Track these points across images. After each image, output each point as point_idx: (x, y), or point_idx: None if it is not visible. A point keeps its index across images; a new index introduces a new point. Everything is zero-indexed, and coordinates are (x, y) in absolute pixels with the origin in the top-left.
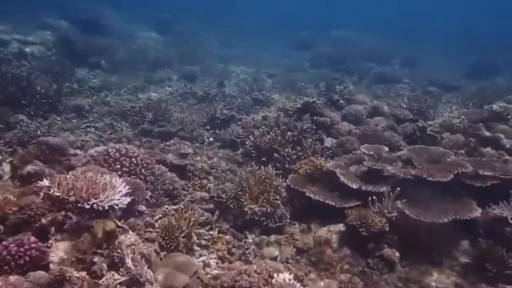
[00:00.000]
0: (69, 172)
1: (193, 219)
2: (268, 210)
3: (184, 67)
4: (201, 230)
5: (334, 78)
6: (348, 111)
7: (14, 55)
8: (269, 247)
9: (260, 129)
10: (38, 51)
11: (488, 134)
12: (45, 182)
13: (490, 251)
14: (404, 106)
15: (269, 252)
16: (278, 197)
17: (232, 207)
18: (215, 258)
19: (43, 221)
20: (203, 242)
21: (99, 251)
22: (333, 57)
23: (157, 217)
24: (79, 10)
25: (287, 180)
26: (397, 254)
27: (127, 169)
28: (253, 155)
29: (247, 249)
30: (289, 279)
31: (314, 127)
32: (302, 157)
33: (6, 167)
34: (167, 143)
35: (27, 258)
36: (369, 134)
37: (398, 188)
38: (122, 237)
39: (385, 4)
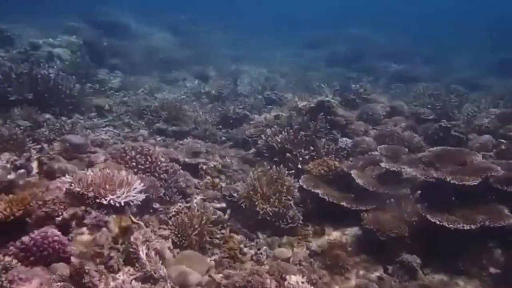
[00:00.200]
0: (89, 169)
1: (205, 217)
2: (280, 210)
3: (197, 67)
4: (213, 229)
5: (350, 77)
6: (364, 110)
7: (44, 57)
8: (281, 248)
9: (273, 129)
10: (64, 54)
11: None
12: (67, 178)
13: None
14: (426, 105)
15: (281, 253)
16: (290, 198)
17: (243, 206)
18: (227, 257)
19: (65, 215)
20: (215, 241)
21: (116, 246)
22: (347, 56)
23: (170, 215)
24: (101, 13)
25: (300, 181)
26: (418, 260)
27: (142, 167)
28: (265, 154)
29: (259, 249)
30: (302, 282)
31: (328, 127)
32: (315, 158)
33: (34, 163)
34: (181, 141)
35: (51, 250)
36: (387, 134)
37: (419, 192)
38: (137, 233)
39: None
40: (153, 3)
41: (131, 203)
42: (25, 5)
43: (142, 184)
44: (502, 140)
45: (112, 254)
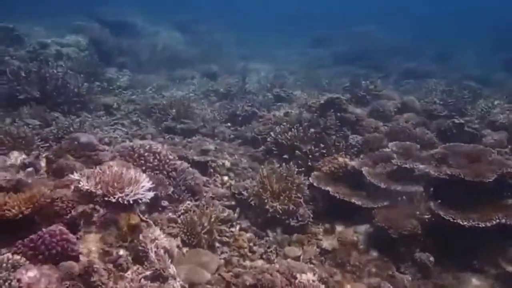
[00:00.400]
0: (97, 167)
1: (214, 215)
2: (290, 208)
3: (205, 65)
4: (223, 227)
5: (359, 74)
6: (374, 107)
7: (53, 56)
8: (292, 246)
9: (282, 126)
10: (73, 52)
11: None
12: (76, 176)
13: None
14: (438, 101)
15: (291, 251)
16: (300, 196)
17: (253, 204)
18: (236, 256)
19: (73, 213)
20: (225, 239)
21: (125, 244)
22: (355, 53)
23: (179, 213)
24: (108, 13)
25: (310, 178)
26: (432, 258)
27: (151, 165)
28: (275, 152)
29: (268, 247)
30: (313, 280)
31: (338, 124)
32: (325, 155)
33: (43, 161)
34: (189, 139)
35: (59, 249)
36: (398, 130)
37: (432, 189)
38: (146, 231)
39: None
40: (161, 2)
41: (140, 201)
42: (34, 5)
43: (150, 182)
44: None
45: (120, 253)
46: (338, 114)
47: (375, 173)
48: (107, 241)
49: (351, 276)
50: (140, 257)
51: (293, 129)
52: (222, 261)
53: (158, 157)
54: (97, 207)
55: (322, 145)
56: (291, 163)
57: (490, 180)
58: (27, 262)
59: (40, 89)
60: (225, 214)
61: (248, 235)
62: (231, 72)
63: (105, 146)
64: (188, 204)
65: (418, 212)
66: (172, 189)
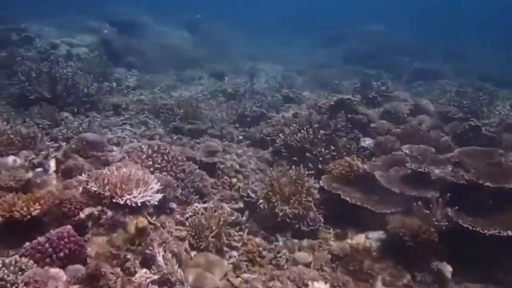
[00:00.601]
0: (105, 168)
1: (222, 218)
2: (300, 212)
3: (213, 65)
4: (231, 231)
5: (369, 74)
6: (386, 108)
7: (63, 57)
8: (302, 252)
9: (291, 127)
10: (82, 53)
11: None
12: (84, 177)
13: None
14: (452, 103)
15: (301, 257)
16: (310, 199)
17: (262, 207)
18: (245, 261)
19: (81, 215)
20: (233, 243)
21: (132, 247)
22: (365, 53)
23: (187, 215)
24: (117, 13)
25: (320, 181)
26: (450, 268)
27: (159, 166)
28: (284, 154)
29: (278, 252)
30: None
31: (349, 126)
32: (336, 157)
33: (51, 162)
34: (197, 140)
35: (67, 251)
36: (412, 133)
37: (448, 194)
38: (153, 234)
39: None
40: (169, 2)
41: (148, 203)
42: (45, 5)
43: (158, 184)
44: None
45: (128, 256)
46: (349, 115)
47: (388, 177)
48: (114, 244)
49: (364, 284)
50: (147, 261)
51: (302, 131)
52: (231, 266)
53: (166, 158)
54: (105, 209)
55: (332, 147)
56: (301, 165)
57: (511, 186)
58: (35, 265)
59: (50, 89)
60: (233, 217)
61: (257, 239)
62: (239, 72)
63: (114, 147)
64: (196, 206)
65: (434, 219)
66: (180, 191)
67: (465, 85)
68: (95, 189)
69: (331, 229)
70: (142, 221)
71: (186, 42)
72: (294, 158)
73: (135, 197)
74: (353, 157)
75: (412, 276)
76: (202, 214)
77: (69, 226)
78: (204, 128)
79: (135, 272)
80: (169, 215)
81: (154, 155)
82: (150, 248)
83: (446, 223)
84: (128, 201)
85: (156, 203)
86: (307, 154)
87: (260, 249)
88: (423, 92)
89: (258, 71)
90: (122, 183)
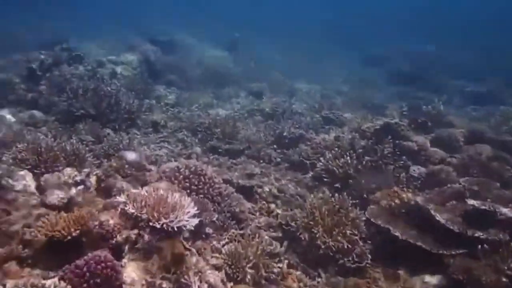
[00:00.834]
0: (143, 188)
1: (260, 248)
2: (345, 246)
3: (251, 84)
4: (269, 262)
5: (419, 97)
6: (439, 135)
7: (108, 74)
8: None
9: (333, 151)
10: (125, 71)
11: None
12: (122, 198)
13: None
14: None
15: None
16: (356, 232)
17: (302, 238)
18: None
19: (118, 238)
20: (272, 276)
21: (167, 275)
22: (413, 74)
23: (223, 242)
24: (159, 32)
25: (366, 213)
26: None
27: (196, 187)
28: (325, 179)
29: None
30: None
31: (397, 153)
32: (383, 187)
33: (93, 179)
34: (234, 161)
35: (104, 277)
36: (470, 164)
37: None
38: (189, 262)
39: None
40: (208, 21)
41: (184, 228)
42: (94, 26)
43: (195, 208)
44: None
45: (164, 285)
46: (396, 141)
47: (445, 212)
48: (150, 270)
49: None
50: None
51: (345, 156)
52: None
53: (203, 180)
54: (142, 232)
55: (379, 176)
56: (344, 193)
57: None
58: None
59: (95, 106)
60: (272, 247)
61: (298, 273)
62: (277, 91)
63: (151, 166)
64: (233, 232)
65: (504, 266)
66: (216, 215)
67: None
68: (132, 211)
69: (381, 268)
70: (178, 246)
71: (225, 60)
72: (337, 185)
73: (171, 221)
74: (403, 187)
75: None
76: (239, 241)
77: (106, 250)
78: (241, 148)
79: None
80: (205, 240)
81: (191, 176)
82: (186, 277)
83: None
84: (164, 225)
85: (193, 228)
86: (351, 181)
87: (301, 284)
88: (479, 117)
89: (296, 90)
90: (159, 206)
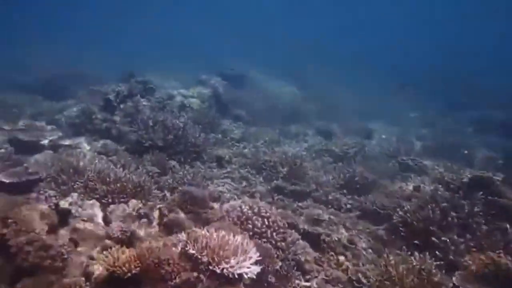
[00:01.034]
0: (205, 227)
1: None
2: None
3: (320, 122)
4: None
5: None
6: None
7: (177, 107)
8: None
9: (412, 203)
10: (195, 104)
11: None
12: (183, 237)
13: None
14: None
15: None
16: None
17: None
18: None
19: (177, 280)
20: None
21: None
22: (506, 122)
23: None
24: (229, 67)
25: (454, 278)
26: None
27: (258, 230)
28: (402, 234)
29: None
30: None
31: (491, 211)
32: (474, 249)
33: (156, 213)
34: (300, 204)
35: None
36: None
37: None
38: None
39: None
40: (279, 57)
41: (245, 275)
42: (169, 60)
43: (257, 254)
44: None
45: None
46: (489, 197)
47: None
48: None
49: None
50: None
51: (427, 209)
52: None
53: (266, 223)
54: (201, 276)
55: (468, 236)
56: (426, 253)
57: None
58: None
59: (163, 137)
60: None
61: None
62: (349, 131)
63: (214, 203)
64: (297, 284)
65: None
66: (280, 263)
67: None
68: (193, 252)
69: None
70: None
71: (294, 97)
72: (416, 242)
73: (232, 266)
74: (499, 252)
75: None
76: None
77: None
78: (308, 190)
79: None
80: None
81: (254, 217)
82: None
83: None
84: (225, 270)
85: (254, 276)
86: (434, 239)
87: None
88: None
89: (369, 131)
90: (220, 249)
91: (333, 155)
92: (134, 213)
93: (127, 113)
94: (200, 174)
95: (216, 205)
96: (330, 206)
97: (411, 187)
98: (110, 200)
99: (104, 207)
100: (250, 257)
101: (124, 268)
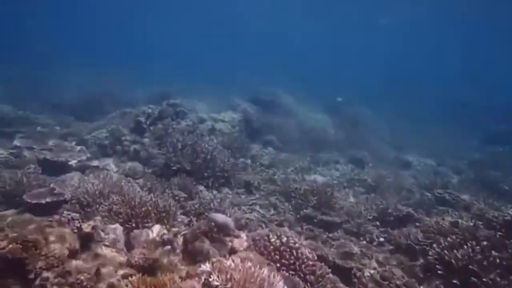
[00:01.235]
0: (230, 257)
1: None
2: None
3: (352, 151)
4: None
5: None
6: None
7: (207, 131)
8: None
9: (449, 239)
10: (225, 128)
11: None
12: (207, 267)
13: None
14: None
15: None
16: None
17: None
18: None
19: None
20: None
21: None
22: None
23: None
24: (261, 92)
25: None
26: None
27: (286, 262)
28: (439, 271)
29: None
30: None
31: None
32: None
33: (180, 240)
34: (330, 235)
35: None
36: None
37: None
38: None
39: None
40: (312, 85)
41: None
42: (202, 84)
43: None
44: None
45: None
46: None
47: None
48: None
49: None
50: None
51: (466, 247)
52: None
53: (295, 254)
54: None
55: None
56: None
57: None
58: None
59: (191, 161)
60: None
61: None
62: (380, 160)
63: (241, 232)
64: None
65: None
66: None
67: None
68: (217, 283)
69: None
70: None
71: (325, 124)
72: (454, 281)
73: None
74: None
75: None
76: None
77: None
78: (339, 221)
79: None
80: None
81: (282, 248)
82: None
83: None
84: None
85: None
86: (474, 279)
87: None
88: None
89: (403, 162)
90: (246, 282)
91: (365, 185)
92: (157, 239)
93: (156, 135)
94: (227, 200)
95: (243, 234)
96: (362, 239)
97: (448, 222)
98: (133, 225)
99: (127, 231)
100: None
101: None
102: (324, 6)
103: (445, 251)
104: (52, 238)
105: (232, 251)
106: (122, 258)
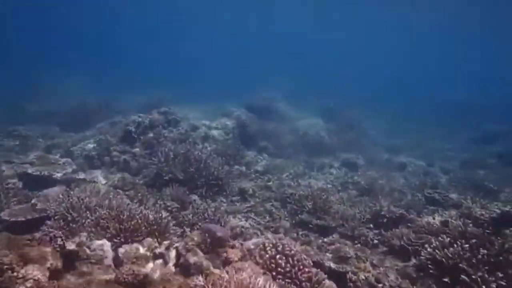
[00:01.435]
0: (224, 269)
1: None
2: None
3: (346, 155)
4: None
5: None
6: None
7: (200, 138)
8: None
9: (440, 238)
10: (219, 135)
11: None
12: (200, 280)
13: None
14: None
15: None
16: None
17: None
18: None
19: None
20: None
21: None
22: None
23: None
24: (255, 98)
25: None
26: None
27: (282, 270)
28: (431, 271)
29: None
30: None
31: None
32: None
33: (173, 253)
34: (326, 239)
35: None
36: None
37: None
38: None
39: None
40: (304, 89)
41: None
42: (195, 92)
43: None
44: None
45: None
46: None
47: None
48: None
49: None
50: None
51: (456, 246)
52: None
53: (291, 262)
54: None
55: (500, 274)
56: None
57: None
58: None
59: (184, 170)
60: None
61: None
62: (374, 163)
63: (235, 242)
64: None
65: None
66: None
67: None
68: None
69: None
70: None
71: (319, 129)
72: (445, 279)
73: None
74: None
75: None
76: None
77: None
78: (333, 225)
79: None
80: None
81: (277, 256)
82: None
83: None
84: None
85: None
86: (464, 277)
87: None
88: None
89: (395, 164)
90: None
91: (359, 188)
92: (148, 253)
93: (147, 145)
94: (222, 209)
95: (237, 243)
96: (356, 242)
97: (438, 222)
98: (122, 240)
99: (115, 247)
100: None
101: None
102: (325, 6)
103: (437, 251)
104: (31, 258)
105: (227, 262)
106: (110, 276)
